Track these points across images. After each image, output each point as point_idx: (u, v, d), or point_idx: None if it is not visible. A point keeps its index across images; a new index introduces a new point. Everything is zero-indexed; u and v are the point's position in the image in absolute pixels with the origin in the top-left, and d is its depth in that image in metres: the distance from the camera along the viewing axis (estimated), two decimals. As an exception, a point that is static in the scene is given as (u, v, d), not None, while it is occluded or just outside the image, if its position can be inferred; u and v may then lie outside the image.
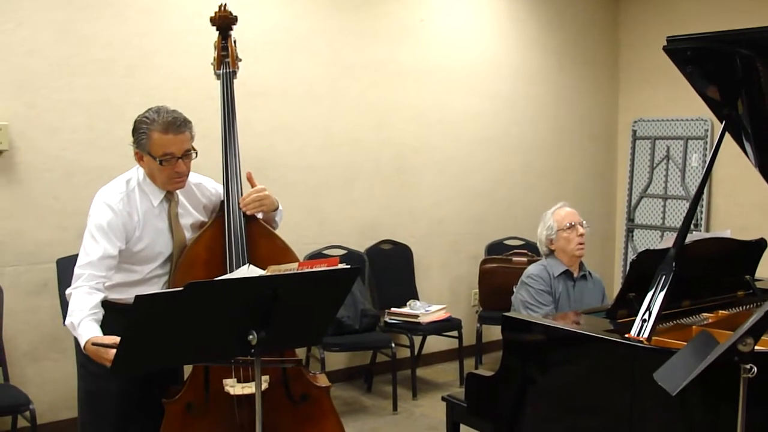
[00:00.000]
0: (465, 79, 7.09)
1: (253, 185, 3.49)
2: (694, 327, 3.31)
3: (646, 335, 2.82)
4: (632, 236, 8.31)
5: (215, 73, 3.66)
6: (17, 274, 4.92)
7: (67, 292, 3.12)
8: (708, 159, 3.17)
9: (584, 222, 4.48)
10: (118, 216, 3.21)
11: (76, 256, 4.73)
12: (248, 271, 2.55)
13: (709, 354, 2.20)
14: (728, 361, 2.20)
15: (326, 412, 3.49)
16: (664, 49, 3.02)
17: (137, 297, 2.31)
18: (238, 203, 3.40)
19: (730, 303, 3.64)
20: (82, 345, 2.95)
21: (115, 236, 3.19)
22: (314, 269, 2.56)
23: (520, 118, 7.57)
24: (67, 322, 3.05)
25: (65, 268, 4.88)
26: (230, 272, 3.26)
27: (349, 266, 2.67)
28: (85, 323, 2.97)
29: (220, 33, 3.67)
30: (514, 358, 3.33)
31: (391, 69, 6.60)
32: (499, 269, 6.67)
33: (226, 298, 2.45)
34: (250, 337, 2.51)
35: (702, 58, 3.01)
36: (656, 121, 8.07)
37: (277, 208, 3.55)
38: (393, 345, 5.82)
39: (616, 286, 8.18)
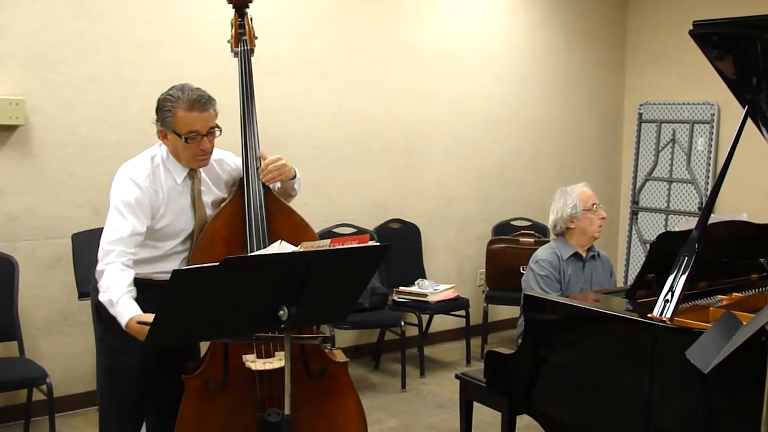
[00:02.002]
0: (474, 60, 7.12)
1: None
2: (710, 308, 3.35)
3: (668, 315, 2.86)
4: (636, 219, 8.35)
5: (232, 51, 3.66)
6: (32, 248, 4.95)
7: (99, 268, 3.11)
8: (731, 143, 3.17)
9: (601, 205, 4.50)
10: (144, 193, 3.20)
11: (90, 231, 4.83)
12: (281, 247, 2.57)
13: (737, 334, 2.23)
14: (756, 342, 2.24)
15: (345, 387, 3.52)
16: (691, 33, 3.02)
17: (174, 272, 2.34)
18: (257, 180, 3.41)
19: (744, 285, 3.68)
20: (123, 323, 2.95)
21: (142, 213, 3.18)
22: (347, 246, 2.59)
23: (528, 100, 7.59)
24: (103, 299, 3.04)
25: (80, 243, 4.92)
26: (250, 249, 3.29)
27: (380, 243, 2.70)
28: (123, 301, 2.98)
29: (236, 11, 3.67)
30: (535, 337, 3.37)
31: (401, 50, 6.61)
32: (506, 250, 6.72)
33: (259, 273, 2.48)
34: (281, 312, 2.54)
35: (728, 43, 3.02)
36: (662, 104, 8.09)
37: (294, 176, 3.55)
38: (402, 323, 5.86)
39: (619, 268, 8.23)
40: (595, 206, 4.41)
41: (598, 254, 4.56)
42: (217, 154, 3.45)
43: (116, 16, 5.17)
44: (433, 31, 6.82)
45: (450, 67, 6.94)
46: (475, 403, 4.12)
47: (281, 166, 3.45)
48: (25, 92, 4.84)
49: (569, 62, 7.94)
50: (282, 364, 2.95)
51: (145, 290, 3.15)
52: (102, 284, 3.07)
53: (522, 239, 6.75)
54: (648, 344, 2.90)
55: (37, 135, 4.92)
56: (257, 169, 3.43)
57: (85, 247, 4.83)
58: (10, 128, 4.82)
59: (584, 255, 4.46)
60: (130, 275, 3.08)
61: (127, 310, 2.96)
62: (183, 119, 3.17)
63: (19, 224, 4.90)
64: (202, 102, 3.19)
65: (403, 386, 5.83)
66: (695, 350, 2.22)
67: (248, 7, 3.68)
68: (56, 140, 4.99)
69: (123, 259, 3.10)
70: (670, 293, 2.90)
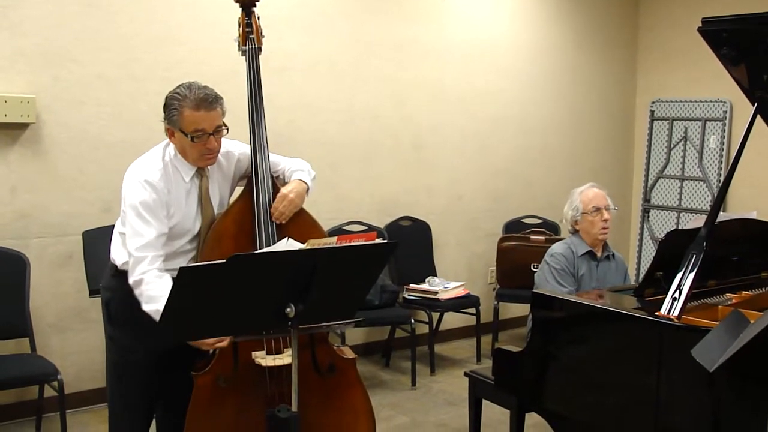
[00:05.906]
0: (485, 57, 7.11)
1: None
2: (719, 307, 3.34)
3: (676, 313, 2.85)
4: (648, 217, 8.33)
5: (240, 50, 3.66)
6: (43, 246, 4.97)
7: (136, 278, 3.09)
8: (741, 140, 3.14)
9: (611, 205, 4.45)
10: (159, 194, 3.20)
11: (101, 228, 4.84)
12: (288, 244, 2.58)
13: (744, 332, 2.22)
14: (764, 340, 2.23)
15: (353, 384, 3.53)
16: (699, 30, 3.01)
17: (182, 269, 2.34)
18: (266, 178, 3.42)
19: (754, 283, 3.66)
20: None
21: (161, 214, 3.19)
22: (354, 243, 2.59)
23: (539, 97, 7.58)
24: (149, 309, 3.02)
25: (90, 240, 4.95)
26: (259, 246, 3.30)
27: (386, 241, 2.70)
28: None
29: (243, 10, 3.67)
30: (543, 334, 3.37)
31: (412, 47, 6.61)
32: (517, 247, 6.71)
33: (266, 270, 2.48)
34: (288, 309, 2.55)
35: (737, 40, 3.00)
36: (674, 101, 8.07)
37: (307, 190, 3.52)
38: (413, 321, 5.86)
39: (631, 265, 8.21)
40: (595, 209, 4.40)
41: (613, 255, 4.56)
42: (224, 146, 3.42)
43: (127, 14, 5.19)
44: (444, 28, 6.81)
45: (460, 64, 6.93)
46: (484, 401, 4.12)
47: (289, 202, 3.41)
48: (36, 90, 4.86)
49: (580, 59, 7.92)
50: (291, 360, 2.96)
51: None
52: (144, 294, 3.07)
53: (533, 237, 6.74)
54: (655, 342, 2.89)
55: (48, 133, 4.94)
56: (267, 168, 3.44)
57: (96, 244, 4.85)
58: (22, 126, 4.84)
59: (598, 254, 4.47)
60: (168, 280, 3.07)
61: None
62: (189, 118, 3.17)
63: (31, 222, 4.92)
64: (209, 101, 3.19)
65: (413, 384, 5.84)
66: (701, 348, 2.21)
67: (255, 5, 3.69)
68: (67, 138, 5.01)
69: (156, 264, 3.12)
70: (678, 291, 2.89)
